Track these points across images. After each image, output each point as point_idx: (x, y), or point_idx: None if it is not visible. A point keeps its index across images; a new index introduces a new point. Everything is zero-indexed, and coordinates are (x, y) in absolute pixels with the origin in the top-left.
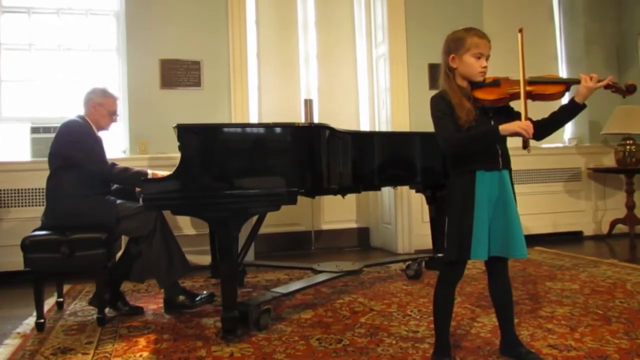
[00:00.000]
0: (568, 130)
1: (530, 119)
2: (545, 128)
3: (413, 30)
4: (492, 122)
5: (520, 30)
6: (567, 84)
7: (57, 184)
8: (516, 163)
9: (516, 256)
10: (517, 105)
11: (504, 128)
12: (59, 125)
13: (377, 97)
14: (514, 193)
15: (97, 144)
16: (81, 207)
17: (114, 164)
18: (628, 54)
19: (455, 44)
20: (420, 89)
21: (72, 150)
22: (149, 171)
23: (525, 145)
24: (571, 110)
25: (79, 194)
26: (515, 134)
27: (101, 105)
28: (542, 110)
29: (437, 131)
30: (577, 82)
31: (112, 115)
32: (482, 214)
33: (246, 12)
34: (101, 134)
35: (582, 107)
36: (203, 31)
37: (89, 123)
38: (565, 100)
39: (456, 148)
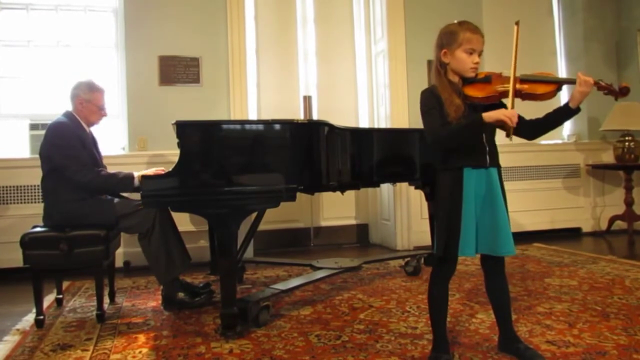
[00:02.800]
0: (567, 126)
1: (522, 118)
2: (538, 128)
3: (412, 27)
4: None
5: (517, 23)
6: (559, 83)
7: (53, 188)
8: (515, 160)
9: (503, 254)
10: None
11: (487, 115)
12: None
13: (376, 93)
14: (503, 190)
15: (85, 147)
16: (79, 210)
17: (99, 171)
18: (627, 50)
19: (447, 38)
20: (419, 85)
21: (57, 155)
22: (135, 173)
23: (508, 134)
24: (564, 114)
25: (75, 197)
26: (499, 122)
27: (89, 102)
28: (537, 109)
29: (424, 125)
30: (571, 82)
31: (101, 110)
32: (469, 211)
33: (245, 8)
34: (97, 130)
35: (575, 111)
36: (202, 28)
37: (78, 121)
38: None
39: (442, 142)
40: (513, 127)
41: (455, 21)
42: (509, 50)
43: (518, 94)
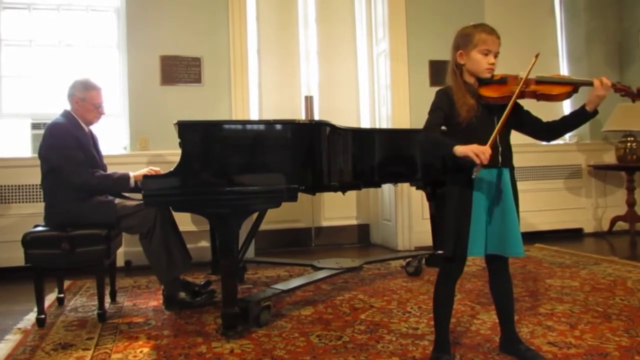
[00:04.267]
0: None
1: (539, 120)
2: (555, 131)
3: (413, 27)
4: (495, 120)
5: (536, 56)
6: (574, 85)
7: (52, 188)
8: (516, 160)
9: (512, 254)
10: (524, 102)
11: (458, 149)
12: None
13: (377, 93)
14: (515, 191)
15: (81, 148)
16: (79, 210)
17: (94, 172)
18: (629, 51)
19: (463, 39)
20: (421, 86)
21: (53, 156)
22: (131, 174)
23: (472, 173)
24: (582, 117)
25: (75, 197)
26: (467, 157)
27: (84, 100)
28: (550, 109)
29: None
30: (587, 84)
31: (98, 108)
32: (478, 212)
33: (247, 8)
34: (99, 129)
35: (592, 114)
36: (203, 27)
37: (76, 120)
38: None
39: (425, 144)
40: (480, 165)
41: (472, 23)
42: (510, 50)
43: (532, 94)
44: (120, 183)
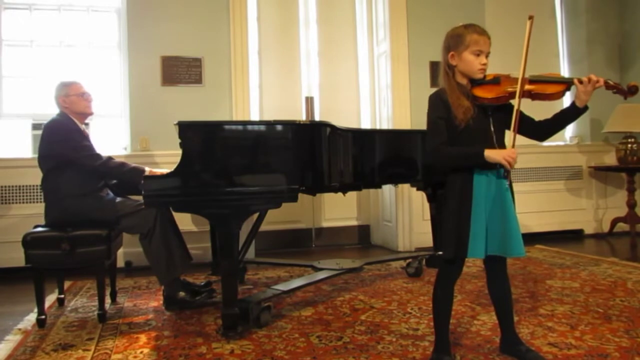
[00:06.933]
0: (569, 128)
1: (531, 119)
2: (547, 129)
3: (414, 28)
4: (491, 120)
5: (531, 18)
6: (567, 83)
7: (53, 186)
8: (518, 161)
9: (514, 255)
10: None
11: (489, 155)
12: None
13: (378, 94)
14: (512, 192)
15: (85, 138)
16: (79, 207)
17: (109, 158)
18: (630, 52)
19: (454, 40)
20: (422, 87)
21: (63, 149)
22: (147, 168)
23: (505, 176)
24: (572, 114)
25: (75, 193)
26: (497, 162)
27: (68, 95)
28: (544, 109)
29: (428, 135)
30: (572, 82)
31: (82, 96)
32: (479, 213)
33: (247, 9)
34: (100, 129)
35: (582, 110)
36: (204, 28)
37: (72, 119)
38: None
39: (438, 161)
40: (510, 171)
41: (461, 24)
42: (512, 52)
43: (527, 94)
44: (135, 174)
